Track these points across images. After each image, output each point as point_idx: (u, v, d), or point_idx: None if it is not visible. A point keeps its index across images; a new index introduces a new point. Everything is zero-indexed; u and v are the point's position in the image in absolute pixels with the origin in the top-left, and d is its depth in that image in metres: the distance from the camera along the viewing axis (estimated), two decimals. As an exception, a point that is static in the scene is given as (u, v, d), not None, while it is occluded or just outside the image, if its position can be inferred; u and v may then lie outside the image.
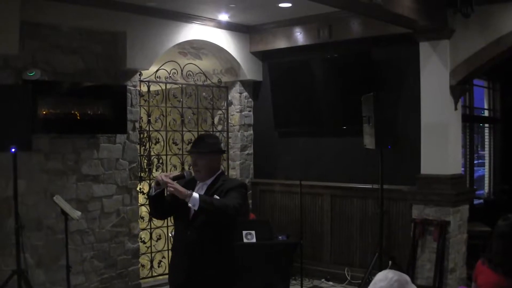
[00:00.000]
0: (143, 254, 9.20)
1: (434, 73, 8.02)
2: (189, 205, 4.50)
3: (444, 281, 7.87)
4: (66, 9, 7.68)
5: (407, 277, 2.96)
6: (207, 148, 4.96)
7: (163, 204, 4.93)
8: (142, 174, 9.08)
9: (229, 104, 10.52)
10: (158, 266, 9.42)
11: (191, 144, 5.17)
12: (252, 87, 10.58)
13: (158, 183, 4.71)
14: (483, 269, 5.29)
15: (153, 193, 4.77)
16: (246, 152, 10.48)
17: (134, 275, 8.72)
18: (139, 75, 8.78)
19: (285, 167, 9.87)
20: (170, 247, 9.49)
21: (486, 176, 11.64)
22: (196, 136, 9.82)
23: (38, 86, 7.19)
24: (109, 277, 8.37)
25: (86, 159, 8.11)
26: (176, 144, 9.78)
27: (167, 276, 9.25)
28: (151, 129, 9.30)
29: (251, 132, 10.59)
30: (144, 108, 9.18)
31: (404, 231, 8.53)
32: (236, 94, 10.43)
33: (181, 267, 4.82)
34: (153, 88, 9.48)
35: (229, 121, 10.53)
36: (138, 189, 8.87)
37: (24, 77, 7.31)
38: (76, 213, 7.09)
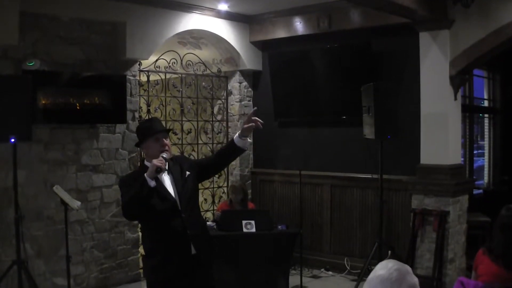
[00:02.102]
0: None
1: (434, 63, 8.01)
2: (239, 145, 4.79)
3: (444, 271, 7.89)
4: (66, -1, 7.69)
5: (408, 268, 2.96)
6: (165, 127, 4.95)
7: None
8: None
9: (229, 93, 10.51)
10: (158, 256, 9.43)
11: (149, 126, 4.81)
12: (251, 77, 10.57)
13: (159, 169, 4.45)
14: (483, 259, 5.29)
15: (153, 185, 4.43)
16: (246, 142, 10.47)
17: (134, 265, 8.74)
18: (139, 65, 8.77)
19: (284, 157, 9.86)
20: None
21: (486, 166, 11.66)
22: (195, 126, 9.88)
23: (38, 76, 7.17)
24: (109, 267, 8.40)
25: (85, 149, 8.11)
26: (176, 134, 9.77)
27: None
28: (150, 119, 9.29)
29: (251, 122, 10.57)
30: (143, 98, 9.18)
31: (404, 221, 8.54)
32: (236, 84, 10.42)
33: (186, 252, 4.67)
34: (153, 78, 9.47)
35: (229, 110, 10.52)
36: (137, 179, 8.87)
37: (24, 67, 7.31)
38: (76, 203, 7.08)
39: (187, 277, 4.66)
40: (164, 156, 4.59)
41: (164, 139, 4.73)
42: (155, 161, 4.45)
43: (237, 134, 4.89)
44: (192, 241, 4.68)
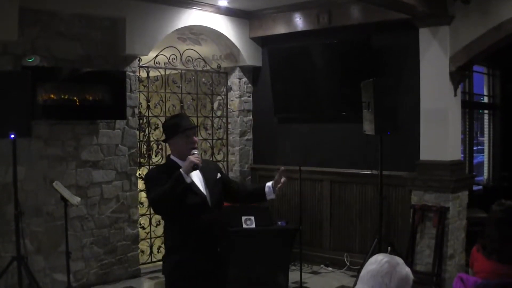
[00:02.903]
0: (143, 239, 9.24)
1: (434, 59, 8.01)
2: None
3: (443, 267, 7.89)
4: (65, -5, 7.69)
5: (398, 259, 2.96)
6: (193, 123, 4.96)
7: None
8: (141, 160, 9.10)
9: (229, 89, 10.51)
10: (158, 252, 9.44)
11: (178, 122, 4.75)
12: (251, 73, 10.56)
13: (196, 166, 4.47)
14: (478, 256, 5.32)
15: (189, 181, 4.47)
16: (246, 137, 10.48)
17: (134, 261, 8.75)
18: (139, 61, 8.77)
19: (284, 153, 9.87)
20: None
21: (486, 162, 11.66)
22: (195, 122, 9.87)
23: (37, 72, 7.18)
24: (108, 263, 8.40)
25: (85, 145, 8.11)
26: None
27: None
28: (150, 114, 9.30)
29: (251, 117, 10.58)
30: (143, 94, 9.18)
31: (404, 217, 8.54)
32: (236, 80, 10.41)
33: (212, 249, 4.68)
34: (152, 73, 9.46)
35: (229, 106, 10.52)
36: (137, 174, 8.88)
37: (24, 63, 7.32)
38: (75, 199, 7.10)
39: (210, 274, 4.66)
40: (196, 152, 4.61)
41: (193, 136, 4.74)
42: (192, 158, 4.46)
43: (270, 186, 4.94)
44: (218, 239, 4.72)
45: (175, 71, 9.88)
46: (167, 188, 4.39)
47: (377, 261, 2.95)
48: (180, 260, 4.61)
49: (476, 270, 5.27)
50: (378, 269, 2.90)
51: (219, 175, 4.86)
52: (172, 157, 4.74)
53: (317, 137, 9.72)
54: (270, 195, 4.92)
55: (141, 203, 9.18)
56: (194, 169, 4.46)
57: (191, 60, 9.82)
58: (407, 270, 2.93)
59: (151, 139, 9.39)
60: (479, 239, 5.41)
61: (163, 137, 4.84)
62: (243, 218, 7.60)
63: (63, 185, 7.15)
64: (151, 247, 9.35)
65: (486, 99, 11.72)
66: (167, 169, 4.59)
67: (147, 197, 4.60)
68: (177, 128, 4.68)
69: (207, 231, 4.63)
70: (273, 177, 4.83)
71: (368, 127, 8.05)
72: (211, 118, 10.39)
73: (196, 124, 10.02)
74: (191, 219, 4.59)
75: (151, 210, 9.31)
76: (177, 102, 9.83)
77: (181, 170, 4.42)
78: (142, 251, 9.19)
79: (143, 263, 9.10)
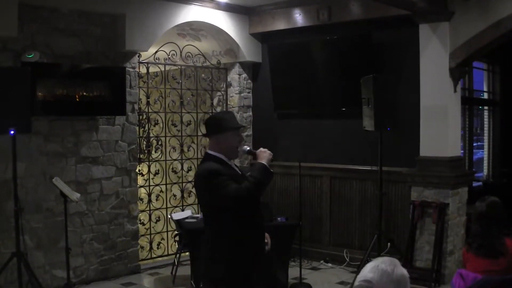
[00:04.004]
0: (142, 235, 9.24)
1: (434, 56, 8.01)
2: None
3: (443, 264, 7.91)
4: (65, -9, 7.68)
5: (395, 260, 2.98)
6: None
7: None
8: (141, 156, 9.10)
9: (228, 85, 10.50)
10: (157, 248, 9.47)
11: (230, 118, 4.86)
12: (251, 69, 10.55)
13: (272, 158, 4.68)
14: (469, 257, 5.36)
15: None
16: (245, 133, 10.46)
17: (133, 257, 8.75)
18: (138, 56, 8.76)
19: (284, 149, 9.86)
20: (167, 230, 9.53)
21: (485, 158, 11.66)
22: (195, 118, 9.87)
23: (37, 68, 7.17)
24: (108, 259, 8.41)
25: (85, 141, 8.11)
26: (175, 126, 9.78)
27: (166, 257, 9.39)
28: (150, 110, 9.31)
29: (250, 113, 10.57)
30: (143, 90, 9.17)
31: (403, 213, 8.54)
32: (235, 76, 10.40)
33: (262, 243, 4.77)
34: (152, 69, 9.47)
35: (228, 102, 10.50)
36: (137, 170, 8.88)
37: (23, 59, 7.30)
38: (75, 195, 7.10)
39: (260, 270, 4.71)
40: (248, 148, 4.87)
41: (240, 134, 4.89)
42: (267, 152, 4.67)
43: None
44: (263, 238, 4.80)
45: (175, 67, 9.87)
46: (258, 181, 4.45)
47: (377, 259, 2.97)
48: (241, 253, 4.55)
49: (470, 270, 5.30)
50: (379, 263, 2.91)
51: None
52: (213, 153, 4.70)
53: (317, 133, 9.72)
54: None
55: (141, 199, 9.18)
56: (271, 161, 4.65)
57: (190, 56, 9.81)
58: (407, 274, 2.95)
59: (151, 135, 9.39)
60: (467, 238, 5.48)
61: (209, 131, 4.79)
62: (243, 214, 7.59)
63: (63, 181, 7.15)
64: (150, 243, 9.36)
65: (486, 95, 11.72)
66: (219, 164, 4.60)
67: (220, 191, 4.40)
68: (231, 124, 4.75)
69: (261, 226, 4.76)
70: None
71: (368, 123, 8.06)
72: (210, 114, 10.38)
73: (195, 120, 10.03)
74: (252, 214, 4.66)
75: (151, 206, 9.33)
76: (177, 98, 9.83)
77: (263, 162, 4.57)
78: (142, 247, 9.19)
79: (142, 259, 9.10)
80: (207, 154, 4.72)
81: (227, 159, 4.70)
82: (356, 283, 2.90)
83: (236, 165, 4.87)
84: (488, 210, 5.34)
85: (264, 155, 4.64)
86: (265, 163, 4.56)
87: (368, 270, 2.90)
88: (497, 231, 5.24)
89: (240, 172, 4.76)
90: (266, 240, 4.85)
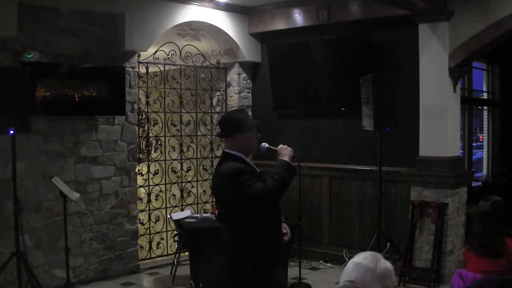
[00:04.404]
0: (142, 235, 9.23)
1: (433, 55, 8.01)
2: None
3: (442, 263, 7.91)
4: (65, -10, 7.68)
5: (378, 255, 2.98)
6: None
7: None
8: (140, 156, 9.09)
9: (228, 85, 10.50)
10: (157, 248, 9.46)
11: (247, 117, 4.84)
12: (250, 69, 10.54)
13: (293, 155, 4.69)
14: (470, 256, 5.36)
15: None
16: (245, 133, 10.45)
17: (133, 257, 8.75)
18: (138, 56, 8.76)
19: (283, 148, 9.84)
20: (167, 230, 9.53)
21: (485, 158, 11.66)
22: (194, 117, 9.87)
23: (36, 68, 7.16)
24: (107, 259, 8.40)
25: (84, 140, 8.11)
26: (175, 126, 9.78)
27: (165, 257, 9.38)
28: (149, 110, 9.30)
29: (250, 113, 10.54)
30: (142, 90, 9.17)
31: (403, 213, 8.55)
32: (235, 76, 10.40)
33: (281, 244, 4.80)
34: (152, 69, 9.47)
35: (228, 102, 10.50)
36: (136, 170, 8.88)
37: (23, 59, 7.29)
38: (74, 195, 7.10)
39: (282, 264, 4.79)
40: (267, 145, 4.80)
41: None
42: (289, 149, 4.66)
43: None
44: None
45: (174, 67, 9.86)
46: (283, 178, 4.46)
47: (360, 255, 2.97)
48: (265, 252, 4.57)
49: (471, 270, 5.30)
50: (361, 260, 2.91)
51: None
52: (232, 151, 4.67)
53: (316, 133, 9.72)
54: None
55: (140, 199, 9.18)
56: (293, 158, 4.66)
57: (190, 55, 9.81)
58: (391, 265, 2.95)
59: (150, 134, 9.39)
60: (467, 238, 5.48)
61: (225, 132, 4.75)
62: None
63: (62, 181, 7.15)
64: (150, 243, 9.35)
65: (485, 95, 11.71)
66: (240, 163, 4.58)
67: (246, 190, 4.37)
68: (250, 123, 4.74)
69: (279, 222, 4.79)
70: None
71: (367, 123, 8.07)
72: (210, 114, 10.39)
73: (195, 120, 10.03)
74: (271, 211, 4.67)
75: (150, 206, 9.33)
76: (176, 97, 9.83)
77: (285, 159, 4.57)
78: (141, 247, 9.18)
79: (142, 259, 9.09)
80: (226, 153, 4.69)
81: (246, 157, 4.69)
82: (340, 283, 2.89)
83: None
84: (492, 209, 5.35)
85: (286, 151, 4.64)
86: (287, 160, 4.57)
87: (351, 269, 2.89)
88: (499, 231, 5.24)
89: (258, 170, 4.78)
90: (285, 231, 4.88)
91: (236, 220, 4.56)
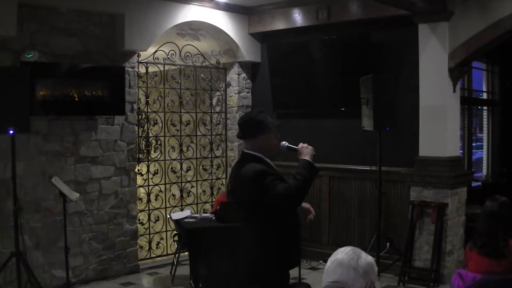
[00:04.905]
0: (141, 235, 9.23)
1: (433, 55, 8.00)
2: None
3: (442, 263, 7.90)
4: (64, -10, 7.68)
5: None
6: None
7: None
8: (140, 156, 9.09)
9: (228, 85, 10.50)
10: (157, 248, 9.46)
11: (269, 117, 4.85)
12: (250, 69, 10.54)
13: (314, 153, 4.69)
14: (472, 255, 5.36)
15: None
16: (244, 133, 10.45)
17: (133, 257, 8.75)
18: (137, 56, 8.75)
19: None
20: (166, 230, 9.52)
21: (484, 158, 11.65)
22: (194, 117, 9.87)
23: (36, 68, 7.16)
24: (107, 259, 8.40)
25: (84, 140, 8.11)
26: (174, 126, 9.77)
27: (165, 257, 9.37)
28: (149, 110, 9.30)
29: (249, 113, 10.56)
30: (142, 90, 9.16)
31: (402, 213, 8.54)
32: (235, 76, 10.39)
33: (298, 247, 4.94)
34: (151, 69, 9.46)
35: (227, 102, 10.50)
36: (136, 170, 8.88)
37: (22, 59, 7.29)
38: (74, 195, 7.10)
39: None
40: (288, 144, 4.86)
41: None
42: (310, 148, 4.69)
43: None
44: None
45: (174, 67, 9.86)
46: (306, 178, 4.48)
47: (340, 252, 2.96)
48: (291, 251, 4.75)
49: (471, 270, 5.30)
50: (343, 257, 2.90)
51: None
52: (252, 152, 4.70)
53: (316, 133, 9.71)
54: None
55: (140, 199, 9.18)
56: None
57: (190, 55, 9.81)
58: (371, 258, 2.94)
59: (150, 134, 9.38)
60: (469, 237, 5.48)
61: (246, 134, 4.77)
62: (242, 213, 7.59)
63: (62, 181, 7.15)
64: (150, 243, 9.35)
65: (485, 95, 11.71)
66: (262, 164, 4.61)
67: (271, 191, 4.42)
68: (269, 124, 4.77)
69: (298, 218, 4.88)
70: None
71: (367, 123, 8.08)
72: (210, 113, 10.39)
73: (194, 120, 10.03)
74: (286, 220, 4.70)
75: (150, 206, 9.33)
76: (176, 97, 9.83)
77: (307, 158, 4.58)
78: (141, 247, 9.18)
79: (141, 259, 9.09)
80: (246, 154, 4.72)
81: (266, 158, 4.70)
82: (323, 283, 2.88)
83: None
84: (499, 209, 5.34)
85: (307, 150, 4.64)
86: (309, 159, 4.58)
87: (333, 269, 2.88)
88: (503, 231, 5.24)
89: (277, 170, 4.79)
90: (310, 208, 5.03)
91: (260, 220, 4.59)
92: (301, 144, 4.73)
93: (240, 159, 4.84)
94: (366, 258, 2.89)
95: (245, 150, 4.73)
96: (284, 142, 4.83)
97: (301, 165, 4.54)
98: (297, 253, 4.79)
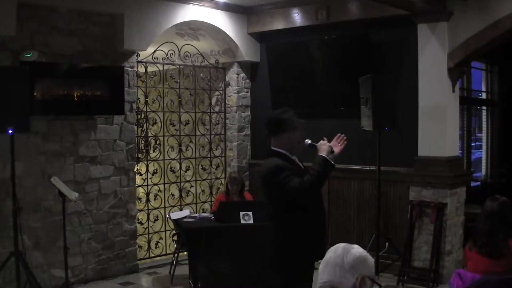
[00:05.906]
0: (141, 235, 9.24)
1: (432, 55, 8.00)
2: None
3: (441, 263, 7.91)
4: (64, -10, 7.67)
5: (355, 245, 2.98)
6: None
7: None
8: (139, 155, 9.09)
9: (227, 85, 10.50)
10: (156, 247, 9.46)
11: (294, 116, 5.13)
12: (249, 68, 10.54)
13: (332, 150, 4.86)
14: (471, 255, 5.36)
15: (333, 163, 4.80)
16: (244, 133, 10.47)
17: (132, 256, 8.74)
18: (137, 56, 8.76)
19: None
20: (166, 229, 9.52)
21: (484, 158, 11.65)
22: (193, 117, 9.87)
23: (35, 67, 7.16)
24: (106, 258, 8.40)
25: (83, 140, 8.10)
26: (174, 125, 9.78)
27: (164, 256, 9.37)
28: (148, 110, 9.29)
29: (249, 113, 10.57)
30: (141, 89, 9.16)
31: (401, 213, 8.54)
32: (234, 75, 10.39)
33: (324, 239, 5.00)
34: (151, 69, 9.45)
35: (227, 102, 10.51)
36: (135, 170, 8.88)
37: (22, 58, 7.29)
38: (73, 195, 7.09)
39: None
40: (310, 142, 5.07)
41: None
42: (327, 144, 4.91)
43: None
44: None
45: (173, 67, 9.87)
46: (320, 173, 4.68)
47: (331, 250, 2.97)
48: (313, 245, 4.82)
49: (471, 270, 5.30)
50: (330, 256, 2.92)
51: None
52: (277, 149, 4.95)
53: (315, 133, 9.61)
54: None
55: (139, 199, 9.18)
56: (331, 152, 4.85)
57: (189, 55, 9.81)
58: (364, 252, 2.94)
59: (149, 134, 9.37)
60: (470, 236, 5.48)
61: (271, 132, 5.04)
62: (241, 214, 7.59)
63: (61, 181, 7.14)
64: (149, 242, 9.35)
65: (484, 95, 11.71)
66: (283, 160, 4.84)
67: (284, 186, 4.65)
68: (296, 122, 5.05)
69: (322, 223, 5.05)
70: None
71: (366, 123, 8.08)
72: (209, 113, 10.39)
73: (193, 119, 10.03)
74: (310, 213, 4.84)
75: (149, 206, 9.33)
76: (175, 97, 9.82)
77: (323, 155, 4.77)
78: (140, 247, 9.18)
79: (141, 259, 9.09)
80: (271, 150, 4.94)
81: (290, 154, 4.92)
82: (318, 284, 2.90)
83: (298, 160, 5.06)
84: (499, 209, 5.35)
85: (324, 147, 4.83)
86: (325, 156, 4.74)
87: (322, 270, 2.91)
88: (504, 231, 5.24)
89: (303, 166, 4.99)
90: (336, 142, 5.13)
91: (283, 216, 4.82)
92: (320, 141, 4.92)
93: (266, 156, 5.02)
94: (355, 253, 2.90)
95: (271, 147, 4.97)
96: (307, 140, 5.04)
97: (317, 161, 4.73)
98: (322, 245, 4.83)
